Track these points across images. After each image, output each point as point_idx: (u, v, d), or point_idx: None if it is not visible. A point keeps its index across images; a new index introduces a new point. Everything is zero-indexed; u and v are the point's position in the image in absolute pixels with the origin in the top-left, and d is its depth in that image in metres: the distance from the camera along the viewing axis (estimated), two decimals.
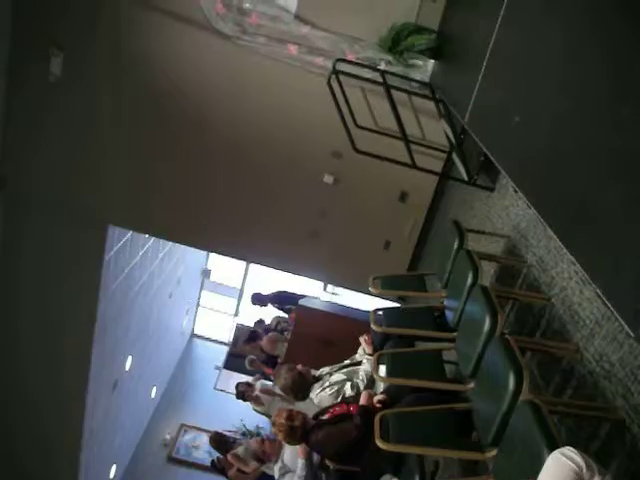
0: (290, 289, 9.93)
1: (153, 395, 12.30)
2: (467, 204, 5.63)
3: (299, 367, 4.67)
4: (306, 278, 7.92)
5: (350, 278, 7.04)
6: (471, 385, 3.18)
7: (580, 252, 2.09)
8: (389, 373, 3.59)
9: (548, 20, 3.02)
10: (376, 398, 3.97)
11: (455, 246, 3.96)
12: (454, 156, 5.50)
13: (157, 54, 6.15)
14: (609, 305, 1.76)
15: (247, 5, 5.83)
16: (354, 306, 8.41)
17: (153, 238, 8.90)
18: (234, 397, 7.90)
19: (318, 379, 4.64)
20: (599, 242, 2.00)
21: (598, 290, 1.83)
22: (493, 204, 4.99)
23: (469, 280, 3.52)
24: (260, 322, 10.12)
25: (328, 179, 6.46)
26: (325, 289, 12.59)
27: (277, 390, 6.25)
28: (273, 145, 6.36)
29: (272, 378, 7.36)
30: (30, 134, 6.40)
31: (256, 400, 7.44)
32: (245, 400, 7.63)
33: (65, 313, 7.38)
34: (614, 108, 2.15)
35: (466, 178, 5.09)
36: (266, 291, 10.09)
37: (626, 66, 2.13)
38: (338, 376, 4.55)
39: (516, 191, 3.14)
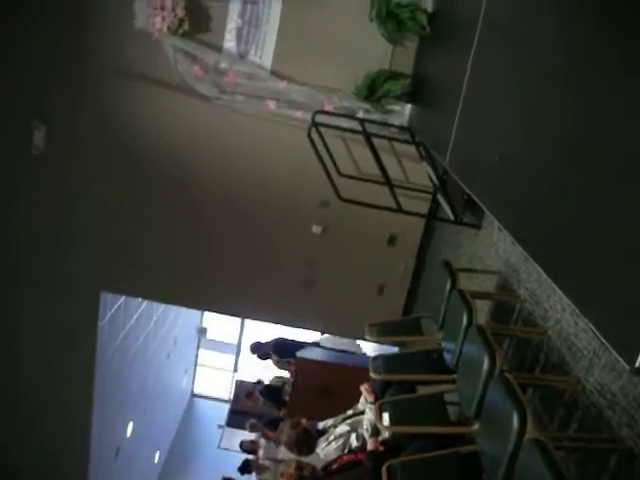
0: (289, 336, 9.87)
1: (157, 459, 12.11)
2: (456, 243, 5.66)
3: (303, 422, 4.62)
4: (302, 329, 7.90)
5: (346, 326, 7.01)
6: (476, 426, 3.15)
7: (569, 287, 2.10)
8: (392, 421, 3.56)
9: (519, 58, 3.08)
10: (380, 439, 3.93)
11: (447, 287, 3.97)
12: (439, 196, 5.55)
13: (140, 120, 6.23)
14: (602, 340, 1.77)
15: (223, 65, 5.94)
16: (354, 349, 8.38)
17: (146, 301, 8.87)
18: (240, 456, 7.83)
19: (323, 432, 4.59)
20: (586, 276, 2.01)
21: (590, 325, 1.84)
22: (481, 241, 5.02)
23: (464, 321, 3.51)
24: (259, 383, 10.08)
25: (316, 229, 6.49)
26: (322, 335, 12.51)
27: (281, 455, 6.19)
28: (260, 200, 6.41)
29: (274, 440, 7.28)
30: (14, 204, 6.41)
31: (260, 469, 7.36)
32: (249, 473, 7.57)
33: (62, 383, 7.29)
34: (590, 144, 2.19)
35: (452, 218, 5.13)
36: (266, 339, 10.06)
37: (599, 101, 2.18)
38: (342, 428, 4.50)
39: (501, 229, 3.17)
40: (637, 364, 1.58)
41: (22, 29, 5.76)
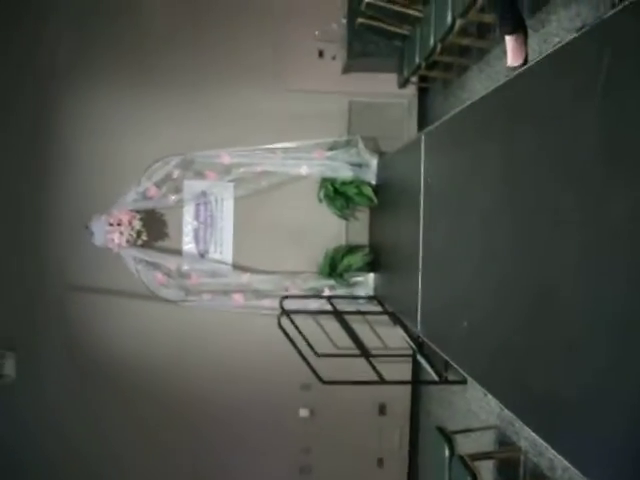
0: None
1: None
2: (446, 401, 5.56)
3: None
4: None
5: None
6: None
7: (564, 447, 2.03)
8: None
9: (464, 219, 3.19)
10: None
11: (447, 454, 3.85)
12: (419, 358, 5.52)
13: (112, 336, 6.23)
14: None
15: (185, 268, 6.07)
16: None
17: None
18: None
19: None
20: (578, 435, 1.96)
21: None
22: (471, 396, 4.94)
23: None
24: None
25: (304, 413, 6.35)
26: None
27: None
28: (243, 394, 6.27)
29: None
30: None
31: None
32: None
33: None
34: (552, 297, 2.22)
35: (436, 378, 5.08)
36: None
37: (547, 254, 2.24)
38: None
39: (485, 395, 3.13)
40: None
41: None
